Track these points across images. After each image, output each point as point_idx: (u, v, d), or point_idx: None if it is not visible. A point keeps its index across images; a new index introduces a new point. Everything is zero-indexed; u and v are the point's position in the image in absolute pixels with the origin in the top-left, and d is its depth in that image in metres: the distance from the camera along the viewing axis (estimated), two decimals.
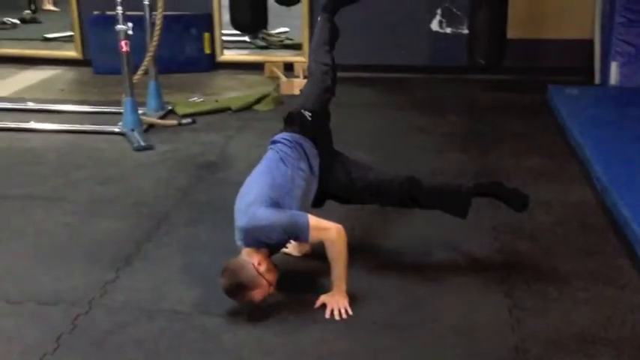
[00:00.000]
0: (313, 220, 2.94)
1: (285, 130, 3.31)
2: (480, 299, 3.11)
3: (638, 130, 4.87)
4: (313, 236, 2.94)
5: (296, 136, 3.24)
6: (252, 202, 2.97)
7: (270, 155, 3.21)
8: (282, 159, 3.14)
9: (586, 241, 3.61)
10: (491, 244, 3.60)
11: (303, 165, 3.16)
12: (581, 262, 3.40)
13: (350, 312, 2.96)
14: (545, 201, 4.06)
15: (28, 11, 10.03)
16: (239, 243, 2.99)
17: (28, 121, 5.50)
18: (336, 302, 2.99)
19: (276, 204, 2.97)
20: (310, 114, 3.32)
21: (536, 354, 2.73)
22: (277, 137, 3.28)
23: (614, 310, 3.01)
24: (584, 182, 4.32)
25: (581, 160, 4.54)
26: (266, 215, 2.92)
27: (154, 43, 5.50)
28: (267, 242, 2.94)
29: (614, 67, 6.15)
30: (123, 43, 5.11)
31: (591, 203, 4.05)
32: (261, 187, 3.03)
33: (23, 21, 9.67)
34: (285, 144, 3.21)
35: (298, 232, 2.94)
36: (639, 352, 2.74)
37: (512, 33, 6.26)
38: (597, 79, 6.40)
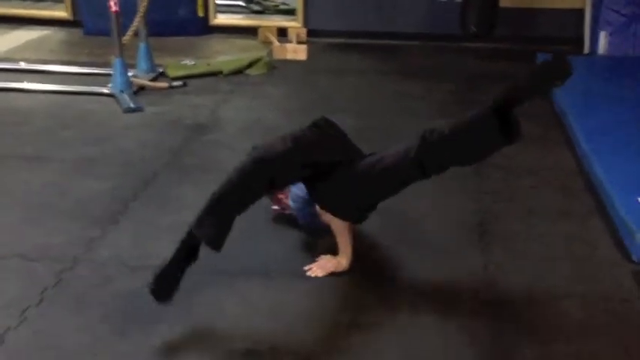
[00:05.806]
0: None
1: None
2: (455, 256, 3.19)
3: (622, 98, 4.89)
4: None
5: None
6: None
7: None
8: None
9: (563, 204, 3.69)
10: (471, 205, 3.66)
11: None
12: (557, 223, 3.49)
13: (327, 271, 3.01)
14: (526, 165, 4.13)
15: None
16: None
17: (17, 82, 5.48)
18: (325, 261, 3.05)
19: None
20: None
21: (509, 310, 2.81)
22: None
23: (585, 267, 3.12)
24: (566, 148, 4.38)
25: (565, 126, 4.59)
26: None
27: (144, 4, 5.50)
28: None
29: (602, 37, 6.17)
30: (112, 2, 5.10)
31: (572, 168, 4.11)
32: None
33: None
34: None
35: None
36: (605, 304, 2.86)
37: (505, 2, 6.27)
38: (586, 49, 6.41)
